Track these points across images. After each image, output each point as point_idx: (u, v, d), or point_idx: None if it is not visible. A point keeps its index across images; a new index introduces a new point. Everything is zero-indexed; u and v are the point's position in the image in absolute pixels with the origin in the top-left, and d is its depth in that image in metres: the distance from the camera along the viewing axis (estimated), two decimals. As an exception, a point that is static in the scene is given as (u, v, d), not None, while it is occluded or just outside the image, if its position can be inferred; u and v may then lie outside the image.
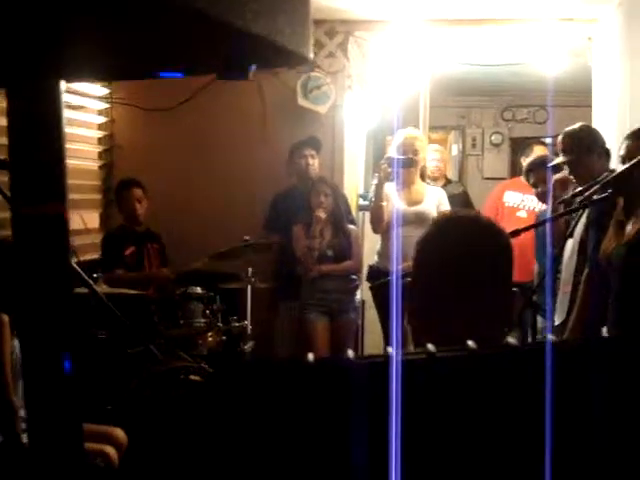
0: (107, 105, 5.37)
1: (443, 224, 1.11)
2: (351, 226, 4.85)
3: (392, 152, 4.27)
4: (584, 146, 3.29)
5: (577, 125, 3.52)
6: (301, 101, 5.20)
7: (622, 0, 4.49)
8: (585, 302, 3.18)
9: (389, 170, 4.20)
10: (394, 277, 1.12)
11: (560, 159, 3.44)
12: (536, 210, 5.33)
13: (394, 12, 4.97)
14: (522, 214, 5.56)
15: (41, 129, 0.67)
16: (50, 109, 0.67)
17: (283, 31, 0.77)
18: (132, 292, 4.06)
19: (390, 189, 4.19)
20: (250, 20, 0.72)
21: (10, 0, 0.54)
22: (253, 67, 0.78)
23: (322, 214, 4.57)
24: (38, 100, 0.66)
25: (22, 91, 0.66)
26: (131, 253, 4.56)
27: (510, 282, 1.19)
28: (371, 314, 5.08)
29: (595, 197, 2.92)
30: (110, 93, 5.31)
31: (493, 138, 8.09)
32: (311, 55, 0.84)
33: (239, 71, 0.76)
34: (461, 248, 1.11)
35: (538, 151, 5.49)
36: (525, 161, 5.45)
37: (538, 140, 6.11)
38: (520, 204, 5.66)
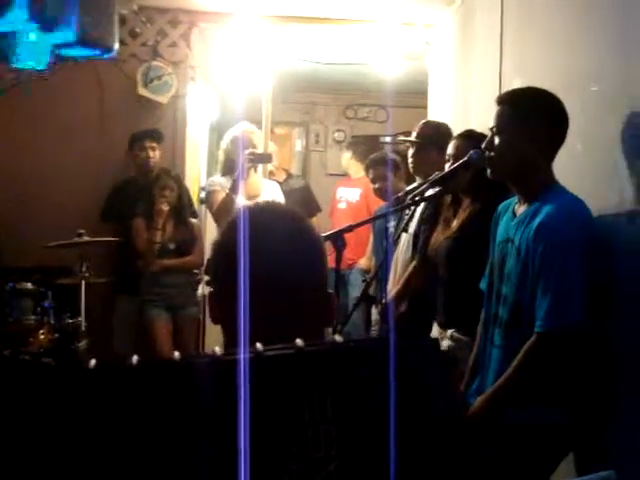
0: None
1: (244, 217, 1.10)
2: (193, 220, 4.79)
3: (227, 145, 4.25)
4: (436, 143, 3.43)
5: (439, 121, 3.80)
6: (141, 90, 5.08)
7: (458, 7, 4.71)
8: (406, 284, 3.47)
9: (250, 165, 4.18)
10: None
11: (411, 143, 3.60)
12: (353, 202, 6.38)
13: (238, 6, 4.95)
14: (342, 205, 6.50)
15: None
16: None
17: (87, 24, 0.75)
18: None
19: (225, 182, 4.17)
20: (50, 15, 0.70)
21: None
22: (55, 58, 0.74)
23: (165, 207, 4.48)
24: None
25: None
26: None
27: (322, 278, 1.21)
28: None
29: (426, 195, 3.05)
30: None
31: (336, 135, 8.27)
32: (114, 44, 0.82)
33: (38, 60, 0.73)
34: (260, 245, 1.11)
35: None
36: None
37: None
38: (342, 197, 6.53)
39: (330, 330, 1.79)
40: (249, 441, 0.87)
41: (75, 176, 5.03)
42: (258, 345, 0.94)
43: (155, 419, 0.90)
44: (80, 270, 4.20)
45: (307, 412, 0.90)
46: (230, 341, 1.16)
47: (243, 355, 0.92)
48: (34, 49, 0.62)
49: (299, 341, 0.93)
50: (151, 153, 4.86)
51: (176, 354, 0.95)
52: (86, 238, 4.24)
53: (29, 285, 4.09)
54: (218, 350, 0.95)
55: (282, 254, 1.14)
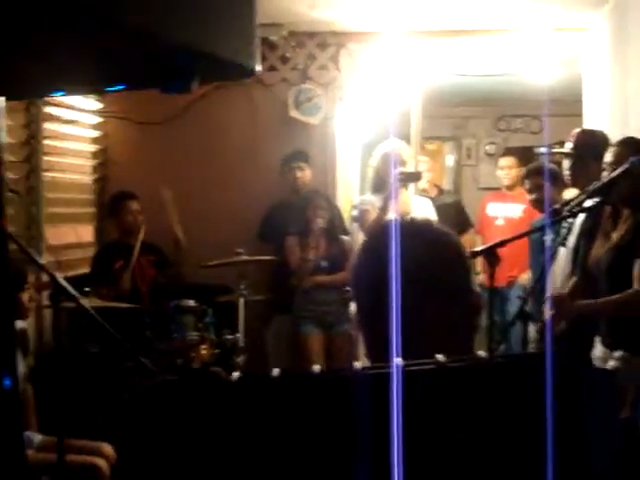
0: (101, 119, 5.38)
1: (384, 230, 1.10)
2: (345, 237, 4.85)
3: (377, 163, 4.27)
4: (594, 152, 3.27)
5: (595, 129, 3.61)
6: (293, 113, 5.22)
7: (612, 9, 4.50)
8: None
9: (401, 184, 4.19)
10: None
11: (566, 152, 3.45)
12: (515, 218, 5.92)
13: (386, 24, 4.99)
14: (500, 222, 6.08)
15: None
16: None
17: (228, 45, 0.77)
18: (124, 305, 4.05)
19: (376, 201, 4.19)
20: (191, 35, 0.73)
21: None
22: (196, 81, 0.78)
23: (318, 225, 4.57)
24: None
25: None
26: (119, 267, 4.54)
27: (466, 291, 1.18)
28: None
29: (584, 206, 2.92)
30: (104, 107, 5.33)
31: (488, 148, 8.10)
32: (258, 67, 0.84)
33: (182, 85, 0.76)
34: (407, 256, 1.11)
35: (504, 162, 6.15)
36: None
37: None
38: (498, 213, 6.12)
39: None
40: (402, 455, 0.86)
41: (231, 197, 5.24)
42: (399, 360, 0.93)
43: (295, 428, 0.92)
44: (239, 288, 4.35)
45: (448, 428, 0.88)
46: (374, 354, 1.16)
47: (390, 369, 0.92)
48: (180, 75, 0.65)
49: (440, 356, 0.92)
50: (299, 174, 4.99)
51: (316, 367, 0.96)
52: (244, 257, 4.38)
53: (191, 302, 4.29)
54: (359, 364, 0.95)
55: (423, 265, 1.13)
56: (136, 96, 5.14)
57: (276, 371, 0.99)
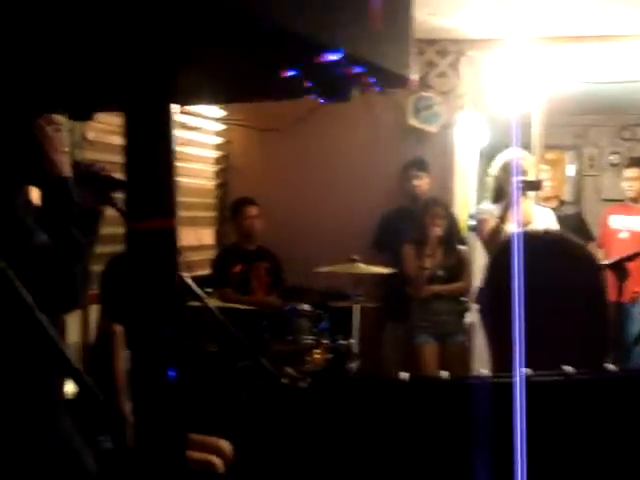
0: (224, 126, 5.56)
1: (525, 242, 1.08)
2: (462, 247, 4.80)
3: (498, 172, 4.20)
4: None
5: None
6: (411, 121, 5.22)
7: None
8: None
9: (521, 192, 4.11)
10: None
11: None
12: None
13: (508, 31, 4.90)
14: (624, 235, 5.79)
15: (153, 149, 0.71)
16: (162, 131, 0.71)
17: (387, 54, 0.79)
18: (243, 307, 4.16)
19: (495, 210, 4.11)
20: (354, 46, 0.74)
21: (134, 34, 0.59)
22: (355, 89, 0.80)
23: (436, 234, 4.54)
24: (152, 123, 0.70)
25: (139, 114, 0.70)
26: (239, 271, 4.67)
27: (603, 304, 1.15)
28: (479, 337, 4.98)
29: None
30: (227, 115, 5.50)
31: (611, 158, 7.80)
32: (414, 76, 0.85)
33: (343, 94, 0.78)
34: (538, 269, 1.09)
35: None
36: None
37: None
38: (622, 226, 5.83)
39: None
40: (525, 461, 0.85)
41: (349, 203, 5.29)
42: (526, 370, 0.92)
43: (420, 431, 0.92)
44: (354, 294, 4.38)
45: (575, 439, 0.86)
46: (499, 362, 1.15)
47: (515, 378, 0.91)
48: (337, 82, 0.67)
49: (569, 368, 0.90)
50: (417, 182, 4.99)
51: (444, 373, 0.97)
52: (359, 265, 4.41)
53: (307, 307, 4.35)
54: (485, 372, 0.95)
55: (557, 279, 1.11)
56: (258, 104, 5.27)
57: (404, 375, 1.00)
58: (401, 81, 0.81)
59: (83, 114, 0.81)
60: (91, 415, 2.91)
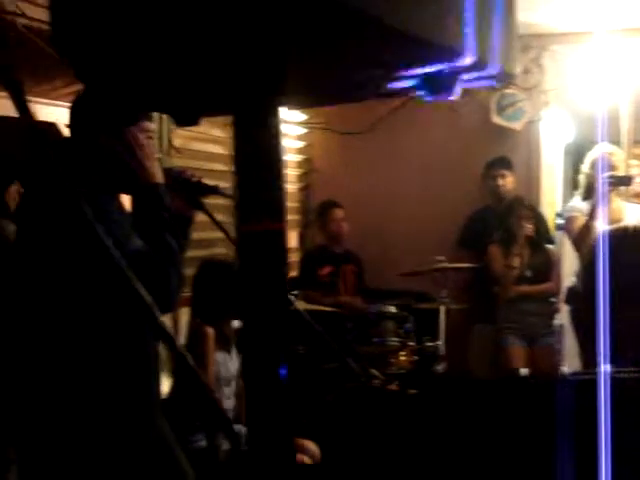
0: (305, 130, 5.60)
1: (616, 240, 1.05)
2: (550, 246, 4.69)
3: (588, 168, 4.10)
4: None
5: None
6: (495, 118, 5.13)
7: None
8: None
9: (610, 188, 4.01)
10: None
11: None
12: None
13: (592, 23, 4.76)
14: None
15: (262, 153, 0.72)
16: (271, 134, 0.72)
17: (492, 49, 0.78)
18: (328, 309, 4.18)
19: (585, 207, 4.00)
20: (461, 41, 0.74)
21: (242, 38, 0.60)
22: (459, 86, 0.79)
23: (523, 234, 4.45)
24: (261, 125, 0.71)
25: (247, 118, 0.72)
26: (327, 273, 4.71)
27: None
28: (569, 339, 4.85)
29: None
30: (308, 118, 5.53)
31: None
32: (515, 71, 0.84)
33: (446, 89, 0.78)
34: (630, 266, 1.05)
35: None
36: None
37: None
38: None
39: None
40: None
41: (432, 204, 5.24)
42: (607, 367, 0.90)
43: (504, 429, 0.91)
44: (440, 296, 4.34)
45: None
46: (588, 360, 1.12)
47: (599, 376, 0.89)
48: (445, 80, 0.66)
49: None
50: (501, 181, 4.90)
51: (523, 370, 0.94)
52: (444, 264, 4.36)
53: (393, 308, 4.34)
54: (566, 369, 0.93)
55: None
56: (338, 107, 5.28)
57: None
58: (506, 77, 0.80)
59: (190, 119, 0.82)
60: (186, 416, 2.96)
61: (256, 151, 0.72)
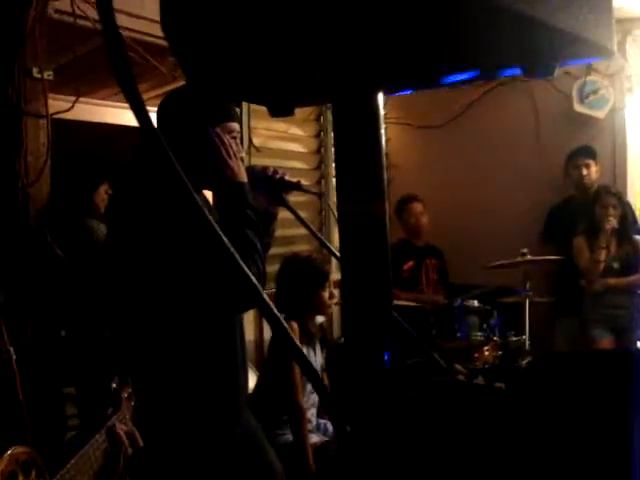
0: (383, 125, 5.59)
1: None
2: (638, 237, 4.55)
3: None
4: None
5: None
6: (577, 107, 5.01)
7: None
8: None
9: None
10: None
11: None
12: None
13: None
14: None
15: (364, 137, 0.73)
16: (372, 119, 0.73)
17: (587, 23, 0.77)
18: (411, 304, 4.17)
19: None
20: (555, 12, 0.73)
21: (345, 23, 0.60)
22: (558, 63, 0.78)
23: (610, 225, 4.34)
24: (362, 112, 0.72)
25: (348, 105, 0.73)
26: (409, 267, 4.70)
27: None
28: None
29: None
30: (385, 113, 5.53)
31: None
32: (614, 47, 0.82)
33: (546, 68, 0.77)
34: None
35: None
36: None
37: None
38: None
39: None
40: None
41: (514, 196, 5.16)
42: None
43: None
44: (524, 289, 4.27)
45: None
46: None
47: None
48: (545, 58, 0.65)
49: None
50: (585, 171, 4.78)
51: None
52: (528, 257, 4.28)
53: (476, 303, 4.29)
54: None
55: None
56: (415, 102, 5.27)
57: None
58: (605, 52, 0.78)
59: (285, 109, 0.84)
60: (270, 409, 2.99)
61: (357, 136, 0.73)
